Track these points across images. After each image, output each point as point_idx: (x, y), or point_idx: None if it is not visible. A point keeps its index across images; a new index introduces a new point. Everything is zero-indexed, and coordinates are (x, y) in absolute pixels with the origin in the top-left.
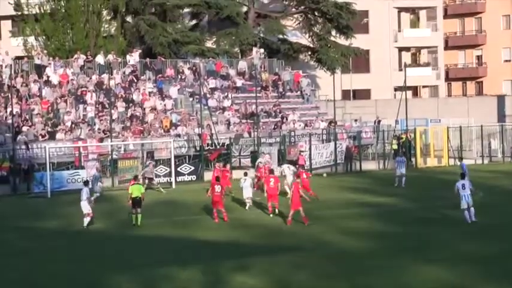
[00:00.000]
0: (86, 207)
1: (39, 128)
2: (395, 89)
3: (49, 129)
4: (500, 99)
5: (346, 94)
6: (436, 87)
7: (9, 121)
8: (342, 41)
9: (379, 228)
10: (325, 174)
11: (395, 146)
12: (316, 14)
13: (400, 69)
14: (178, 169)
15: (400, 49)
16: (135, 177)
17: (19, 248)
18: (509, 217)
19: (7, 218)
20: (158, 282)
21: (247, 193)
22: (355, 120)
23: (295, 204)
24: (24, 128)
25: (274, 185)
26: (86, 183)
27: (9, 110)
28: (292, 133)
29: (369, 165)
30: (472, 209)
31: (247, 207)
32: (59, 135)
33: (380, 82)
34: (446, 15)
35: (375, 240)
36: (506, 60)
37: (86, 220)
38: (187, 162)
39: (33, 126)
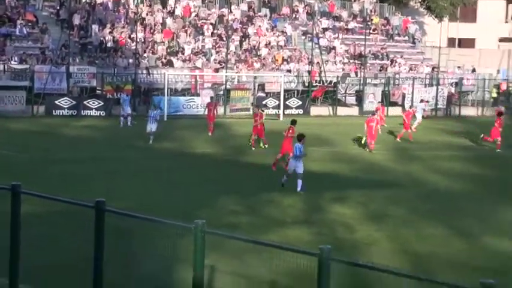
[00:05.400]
0: None
1: (160, 55)
2: (500, 40)
3: (169, 58)
4: None
5: (451, 42)
6: None
7: (133, 47)
8: None
9: (474, 171)
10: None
11: (494, 94)
12: None
13: (506, 21)
14: (287, 102)
15: (509, 1)
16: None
17: (137, 166)
18: None
19: (127, 137)
20: (262, 206)
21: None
22: (458, 68)
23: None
24: (146, 55)
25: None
26: None
27: (133, 36)
28: (397, 76)
29: (468, 111)
30: None
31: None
32: (177, 64)
33: (485, 32)
34: None
35: (468, 182)
36: None
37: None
38: (295, 96)
39: (154, 54)
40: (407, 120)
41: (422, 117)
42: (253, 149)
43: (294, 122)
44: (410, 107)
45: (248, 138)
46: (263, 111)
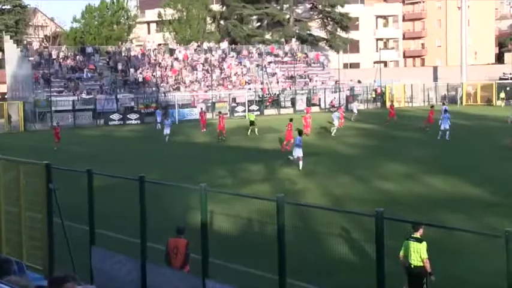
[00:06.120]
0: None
1: (171, 84)
2: (374, 62)
3: (177, 85)
4: (435, 68)
5: (345, 65)
6: (397, 62)
7: (154, 80)
8: (343, 34)
9: (367, 143)
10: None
11: (373, 95)
12: (329, 19)
13: (377, 51)
14: (250, 108)
15: (377, 39)
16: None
17: (160, 151)
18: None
19: (155, 135)
20: (238, 172)
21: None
22: (351, 80)
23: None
24: (163, 84)
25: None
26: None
27: (154, 74)
28: (315, 88)
29: (359, 106)
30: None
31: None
32: (182, 89)
33: (365, 58)
34: (404, 20)
35: (364, 149)
36: (438, 46)
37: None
38: (255, 104)
39: (168, 83)
40: (342, 114)
41: (344, 112)
42: (224, 137)
43: (291, 120)
44: (343, 106)
45: (220, 133)
46: (220, 113)
